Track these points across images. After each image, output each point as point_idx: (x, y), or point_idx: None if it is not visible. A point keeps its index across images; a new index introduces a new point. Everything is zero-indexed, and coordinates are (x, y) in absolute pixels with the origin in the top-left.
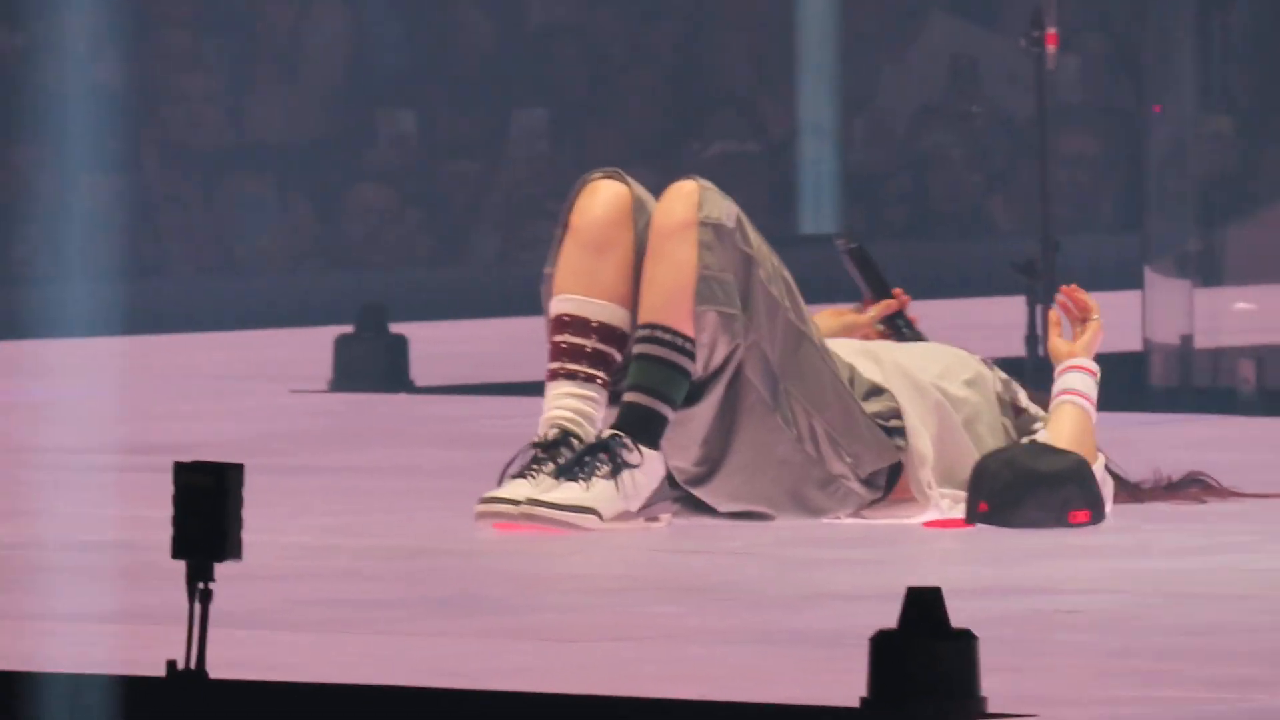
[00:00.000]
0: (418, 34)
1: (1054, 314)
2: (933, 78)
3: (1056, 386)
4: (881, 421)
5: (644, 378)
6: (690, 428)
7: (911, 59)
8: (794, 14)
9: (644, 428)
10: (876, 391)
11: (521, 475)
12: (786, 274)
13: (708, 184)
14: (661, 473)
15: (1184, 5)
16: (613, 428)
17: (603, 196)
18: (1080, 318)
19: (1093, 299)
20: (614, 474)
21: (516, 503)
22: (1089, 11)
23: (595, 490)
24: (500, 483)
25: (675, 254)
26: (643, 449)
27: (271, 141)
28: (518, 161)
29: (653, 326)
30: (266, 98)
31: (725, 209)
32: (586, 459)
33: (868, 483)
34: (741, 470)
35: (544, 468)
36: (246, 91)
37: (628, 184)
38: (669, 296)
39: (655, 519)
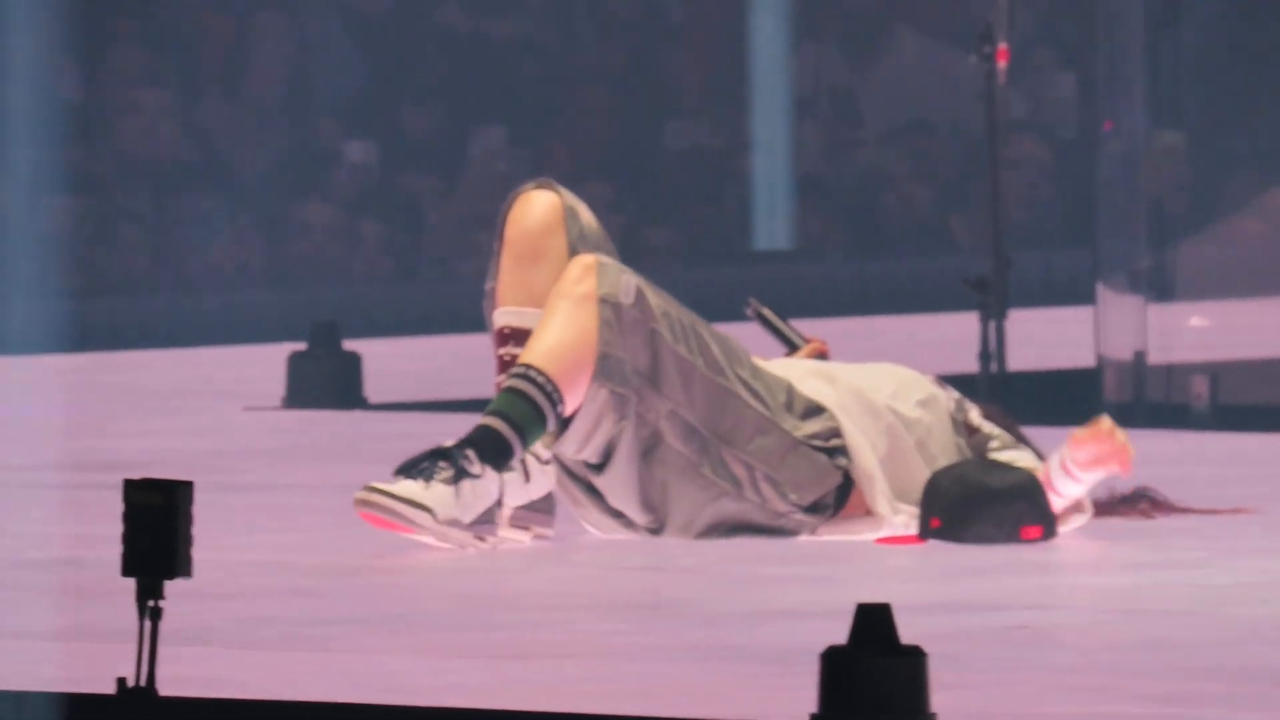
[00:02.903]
0: (373, 51)
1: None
2: (898, 93)
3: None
4: (821, 442)
5: (510, 409)
6: (623, 498)
7: (880, 73)
8: (745, 27)
9: (494, 451)
10: (816, 411)
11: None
12: (696, 323)
13: (606, 259)
14: (496, 494)
15: (1135, 21)
16: (461, 443)
17: (534, 207)
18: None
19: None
20: (455, 480)
21: (375, 490)
22: (1039, 25)
23: (434, 491)
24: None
25: (576, 318)
26: (486, 467)
27: (224, 158)
28: (475, 179)
29: (533, 368)
30: (219, 114)
31: (624, 284)
32: (425, 464)
33: (813, 509)
34: (686, 527)
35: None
36: (199, 108)
37: (558, 192)
38: (562, 355)
39: (482, 538)
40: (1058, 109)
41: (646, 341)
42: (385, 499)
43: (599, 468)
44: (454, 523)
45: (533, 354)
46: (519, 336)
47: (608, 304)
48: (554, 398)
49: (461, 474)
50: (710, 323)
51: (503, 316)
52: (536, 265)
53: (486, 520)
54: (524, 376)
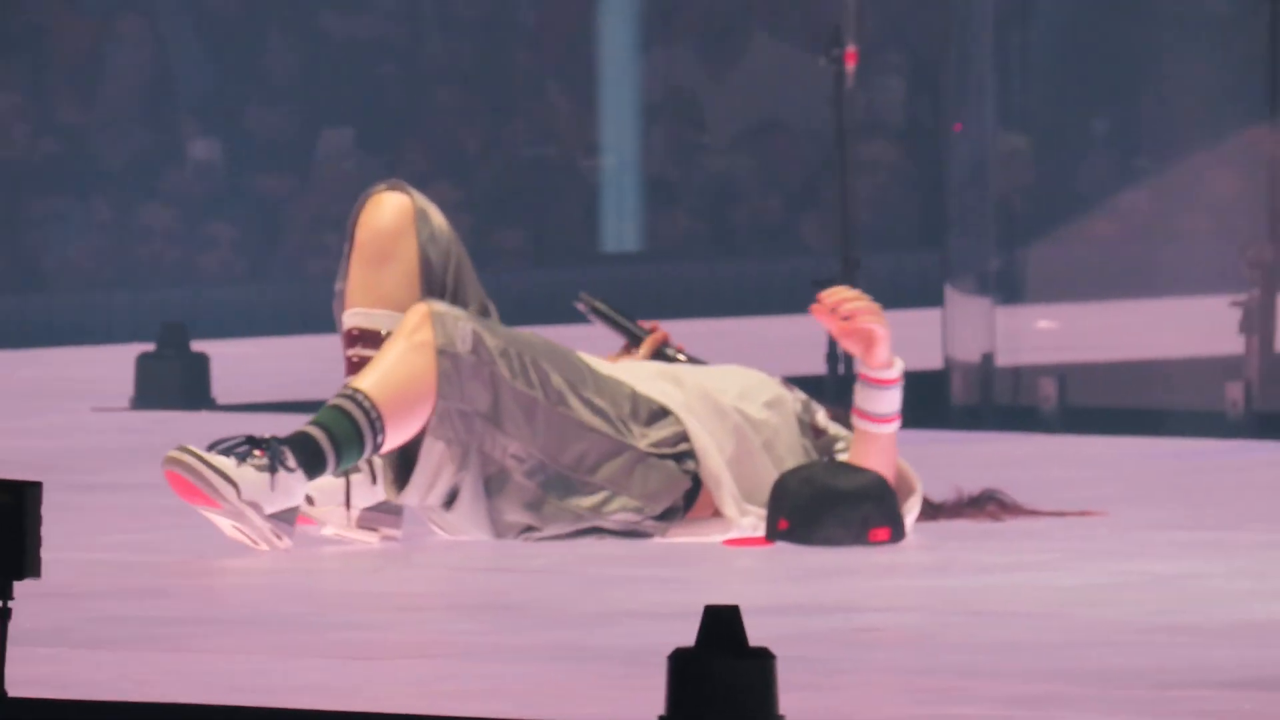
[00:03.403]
0: (222, 53)
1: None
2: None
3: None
4: (668, 449)
5: (332, 424)
6: (473, 529)
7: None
8: (595, 29)
9: (310, 457)
10: (661, 415)
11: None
12: (535, 351)
13: (441, 308)
14: (301, 497)
15: (983, 24)
16: (278, 439)
17: (385, 208)
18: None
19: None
20: (270, 469)
21: (188, 451)
22: (889, 30)
23: (244, 472)
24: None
25: (410, 360)
26: (299, 469)
27: (76, 159)
28: (325, 178)
29: (360, 393)
30: (73, 115)
31: (460, 333)
32: (242, 447)
33: (664, 515)
34: (542, 538)
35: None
36: (52, 109)
37: (409, 194)
38: (392, 390)
39: (279, 535)
40: (890, 110)
41: (487, 384)
42: (198, 463)
43: (446, 506)
44: (256, 506)
45: (363, 381)
46: (367, 338)
47: (446, 355)
48: (376, 426)
49: (276, 465)
50: (557, 324)
51: (351, 318)
52: (385, 266)
53: (287, 519)
54: (351, 399)
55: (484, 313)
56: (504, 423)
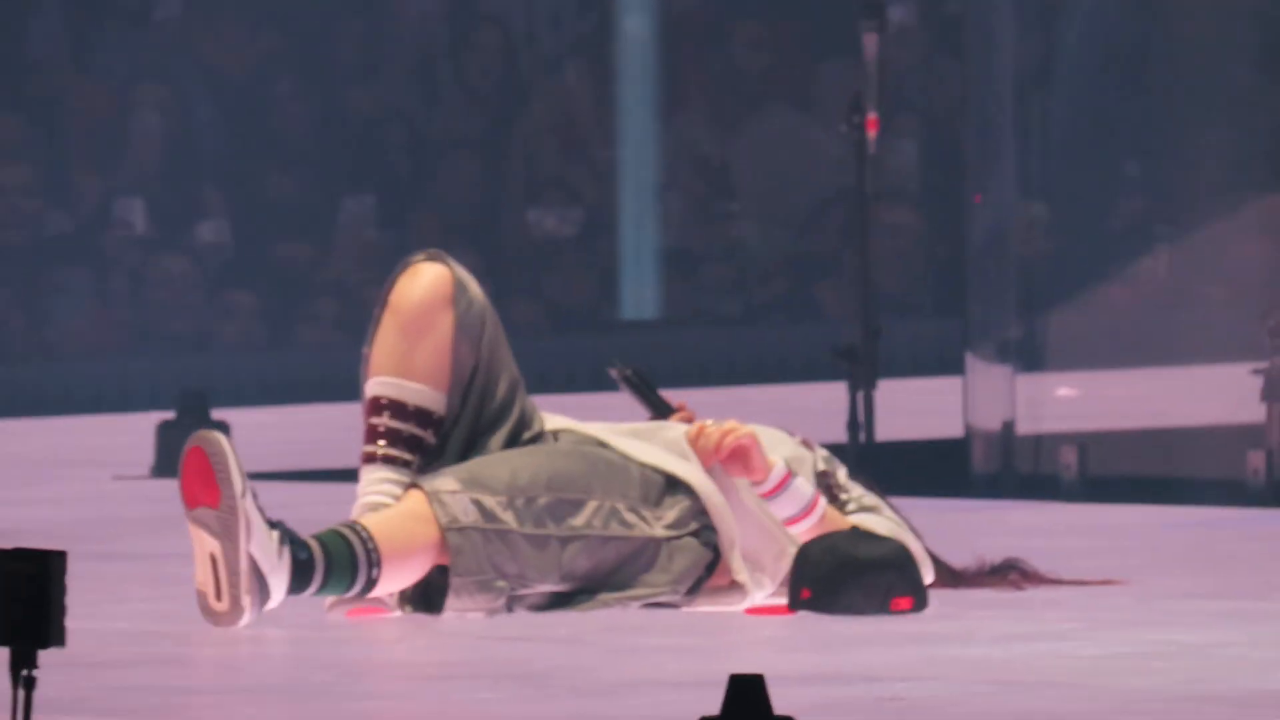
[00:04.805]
0: (238, 120)
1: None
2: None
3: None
4: (685, 528)
5: (333, 547)
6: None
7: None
8: (612, 98)
9: (299, 569)
10: (671, 489)
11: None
12: (537, 482)
13: (431, 486)
14: (277, 599)
15: (1003, 92)
16: (295, 539)
17: (424, 279)
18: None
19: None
20: (281, 542)
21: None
22: (909, 99)
23: (259, 521)
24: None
25: (416, 528)
26: (289, 573)
27: (94, 226)
28: (345, 247)
29: (368, 533)
30: (89, 183)
31: (460, 505)
32: (272, 521)
33: (690, 590)
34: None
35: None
36: (68, 178)
37: (449, 266)
38: (397, 541)
39: (248, 593)
40: (906, 177)
41: (503, 545)
42: (228, 448)
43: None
44: (249, 523)
45: (382, 533)
46: (395, 409)
47: (453, 531)
48: (373, 559)
49: (285, 543)
50: (574, 393)
51: (379, 386)
52: (420, 338)
53: (261, 590)
54: (352, 529)
55: (513, 388)
56: (529, 575)
